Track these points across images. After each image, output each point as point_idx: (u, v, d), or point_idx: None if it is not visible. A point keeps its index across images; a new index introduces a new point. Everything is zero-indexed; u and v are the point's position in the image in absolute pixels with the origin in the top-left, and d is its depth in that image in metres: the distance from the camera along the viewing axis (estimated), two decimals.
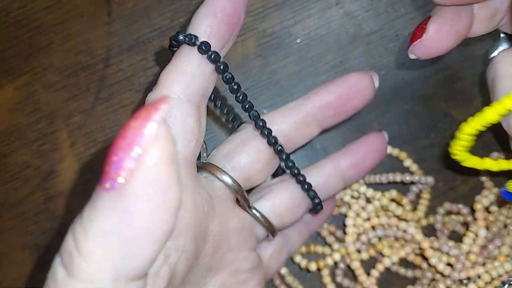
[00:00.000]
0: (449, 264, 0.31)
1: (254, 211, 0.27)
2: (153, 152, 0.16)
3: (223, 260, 0.26)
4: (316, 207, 0.28)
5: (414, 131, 0.34)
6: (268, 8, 0.34)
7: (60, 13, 0.35)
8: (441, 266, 0.31)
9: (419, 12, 0.34)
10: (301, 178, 0.27)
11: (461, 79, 0.34)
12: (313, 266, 0.33)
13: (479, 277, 0.31)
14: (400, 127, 0.34)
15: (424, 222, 0.33)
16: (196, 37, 0.23)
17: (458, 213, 0.33)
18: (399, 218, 0.33)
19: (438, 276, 0.32)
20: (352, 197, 0.33)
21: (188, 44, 0.23)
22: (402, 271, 0.33)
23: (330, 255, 0.33)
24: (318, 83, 0.34)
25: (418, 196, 0.34)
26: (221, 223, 0.25)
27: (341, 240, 0.33)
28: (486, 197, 0.32)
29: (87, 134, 0.35)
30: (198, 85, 0.24)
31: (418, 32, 0.25)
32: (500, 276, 0.31)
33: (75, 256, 0.17)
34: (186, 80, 0.23)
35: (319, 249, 0.33)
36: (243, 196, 0.26)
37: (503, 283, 0.31)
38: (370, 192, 0.33)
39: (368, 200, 0.33)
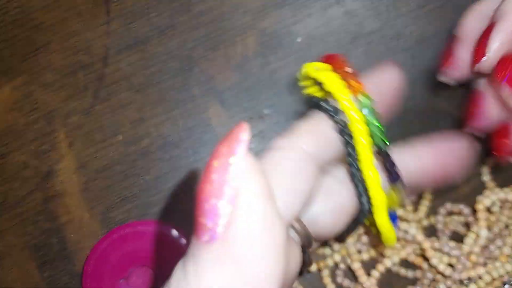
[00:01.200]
0: (450, 265, 0.31)
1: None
2: (247, 189, 0.14)
3: None
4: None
5: (415, 131, 0.34)
6: (269, 7, 0.34)
7: (58, 12, 0.34)
8: (442, 267, 0.31)
9: (420, 11, 0.34)
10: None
11: None
12: (313, 267, 0.33)
13: (480, 277, 0.31)
14: (401, 127, 0.34)
15: (425, 222, 0.33)
16: (336, 111, 0.22)
17: (459, 213, 0.33)
18: (400, 218, 0.33)
19: (439, 276, 0.32)
20: None
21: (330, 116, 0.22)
22: (403, 271, 0.33)
23: (330, 255, 0.33)
24: None
25: (419, 196, 0.34)
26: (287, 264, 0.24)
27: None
28: (488, 198, 0.32)
29: (85, 134, 0.34)
30: (331, 152, 0.22)
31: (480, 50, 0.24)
32: (501, 276, 0.31)
33: None
34: (325, 142, 0.22)
35: (320, 249, 0.33)
36: (309, 245, 0.24)
37: (504, 284, 0.30)
38: None
39: None
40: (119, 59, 0.34)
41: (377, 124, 0.23)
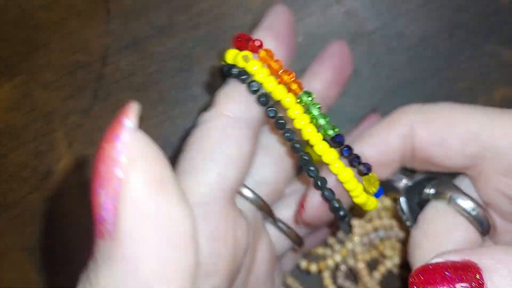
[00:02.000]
0: None
1: (280, 225, 0.26)
2: (135, 177, 0.13)
3: None
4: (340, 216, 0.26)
5: None
6: (269, 6, 0.34)
7: (58, 12, 0.34)
8: None
9: (420, 10, 0.34)
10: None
11: (462, 79, 0.34)
12: (313, 268, 0.33)
13: None
14: None
15: None
16: (246, 75, 0.22)
17: None
18: (400, 219, 0.32)
19: None
20: None
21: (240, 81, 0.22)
22: (403, 272, 0.33)
23: (331, 256, 0.33)
24: None
25: None
26: (252, 254, 0.23)
27: (342, 242, 0.33)
28: None
29: (84, 134, 0.34)
30: (259, 109, 0.22)
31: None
32: None
33: None
34: (247, 101, 0.22)
35: (320, 250, 0.33)
36: (267, 211, 0.24)
37: None
38: None
39: None
40: (118, 58, 0.34)
41: (318, 113, 0.23)
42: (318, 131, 0.23)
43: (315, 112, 0.23)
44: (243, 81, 0.22)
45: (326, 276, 0.33)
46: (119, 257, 0.14)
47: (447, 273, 0.17)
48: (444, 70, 0.34)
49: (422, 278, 0.18)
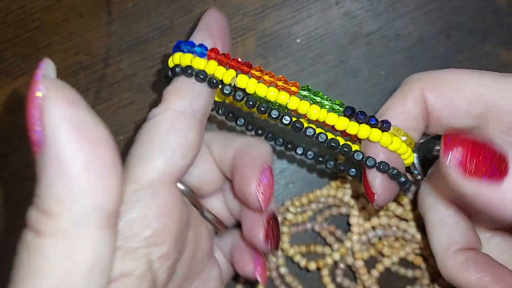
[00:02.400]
0: None
1: (207, 214, 0.28)
2: (53, 94, 0.17)
3: (197, 269, 0.26)
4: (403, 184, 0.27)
5: None
6: (268, 8, 0.34)
7: (60, 13, 0.35)
8: None
9: (419, 11, 0.34)
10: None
11: None
12: (312, 266, 0.33)
13: None
14: None
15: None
16: (192, 69, 0.24)
17: None
18: (399, 217, 0.33)
19: (438, 276, 0.32)
20: (352, 196, 0.33)
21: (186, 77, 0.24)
22: (402, 271, 0.33)
23: (330, 255, 0.33)
24: (318, 83, 0.34)
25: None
26: (195, 231, 0.26)
27: (341, 240, 0.33)
28: None
29: None
30: (202, 102, 0.24)
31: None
32: None
33: (42, 218, 0.17)
34: (191, 96, 0.24)
35: (319, 249, 0.33)
36: (195, 202, 0.27)
37: None
38: None
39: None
40: (120, 59, 0.34)
41: (319, 96, 0.24)
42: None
43: (318, 99, 0.25)
44: (189, 75, 0.24)
45: (325, 274, 0.33)
46: (48, 161, 0.17)
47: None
48: None
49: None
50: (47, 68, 0.18)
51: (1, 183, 0.35)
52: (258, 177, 0.24)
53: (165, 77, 0.26)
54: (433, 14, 0.34)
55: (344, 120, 0.24)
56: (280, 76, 0.25)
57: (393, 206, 0.32)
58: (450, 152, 0.21)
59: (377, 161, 0.25)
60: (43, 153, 0.17)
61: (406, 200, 0.33)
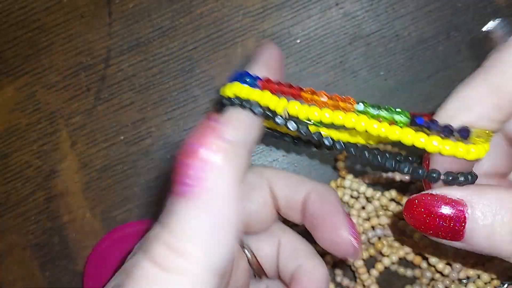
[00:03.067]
0: (448, 264, 0.31)
1: (245, 251, 0.27)
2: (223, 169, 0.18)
3: None
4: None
5: None
6: (268, 9, 0.34)
7: (61, 14, 0.35)
8: (440, 266, 0.31)
9: (418, 12, 0.34)
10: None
11: (460, 80, 0.34)
12: None
13: (478, 276, 0.31)
14: None
15: None
16: (247, 103, 0.23)
17: None
18: (398, 217, 0.33)
19: (437, 275, 0.32)
20: (352, 196, 0.33)
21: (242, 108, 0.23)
22: (401, 270, 0.33)
23: (330, 254, 0.33)
24: (318, 83, 0.34)
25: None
26: (235, 262, 0.25)
27: None
28: None
29: (87, 134, 0.35)
30: (255, 133, 0.23)
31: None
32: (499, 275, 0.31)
33: (170, 255, 0.18)
34: (246, 127, 0.23)
35: (319, 248, 0.33)
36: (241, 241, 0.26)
37: (502, 283, 0.31)
38: (370, 192, 0.33)
39: (368, 200, 0.33)
40: (120, 60, 0.35)
41: (379, 109, 0.22)
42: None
43: (375, 112, 0.22)
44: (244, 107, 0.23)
45: None
46: (202, 210, 0.18)
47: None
48: (442, 71, 0.34)
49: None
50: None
51: (1, 183, 0.35)
52: (346, 224, 0.24)
53: (219, 104, 0.25)
54: (432, 15, 0.34)
55: (409, 131, 0.21)
56: (333, 95, 0.23)
57: (392, 205, 0.32)
58: (410, 215, 0.22)
59: (442, 173, 0.22)
60: (196, 200, 0.18)
61: (405, 200, 0.33)
